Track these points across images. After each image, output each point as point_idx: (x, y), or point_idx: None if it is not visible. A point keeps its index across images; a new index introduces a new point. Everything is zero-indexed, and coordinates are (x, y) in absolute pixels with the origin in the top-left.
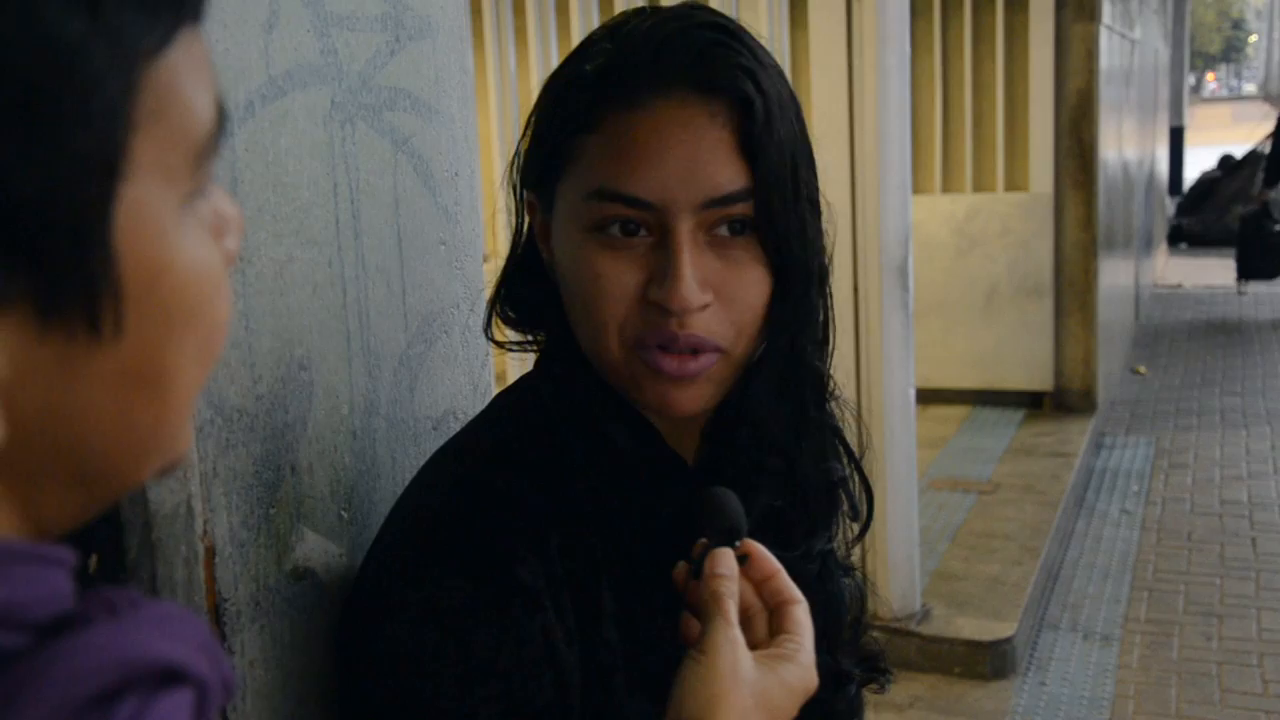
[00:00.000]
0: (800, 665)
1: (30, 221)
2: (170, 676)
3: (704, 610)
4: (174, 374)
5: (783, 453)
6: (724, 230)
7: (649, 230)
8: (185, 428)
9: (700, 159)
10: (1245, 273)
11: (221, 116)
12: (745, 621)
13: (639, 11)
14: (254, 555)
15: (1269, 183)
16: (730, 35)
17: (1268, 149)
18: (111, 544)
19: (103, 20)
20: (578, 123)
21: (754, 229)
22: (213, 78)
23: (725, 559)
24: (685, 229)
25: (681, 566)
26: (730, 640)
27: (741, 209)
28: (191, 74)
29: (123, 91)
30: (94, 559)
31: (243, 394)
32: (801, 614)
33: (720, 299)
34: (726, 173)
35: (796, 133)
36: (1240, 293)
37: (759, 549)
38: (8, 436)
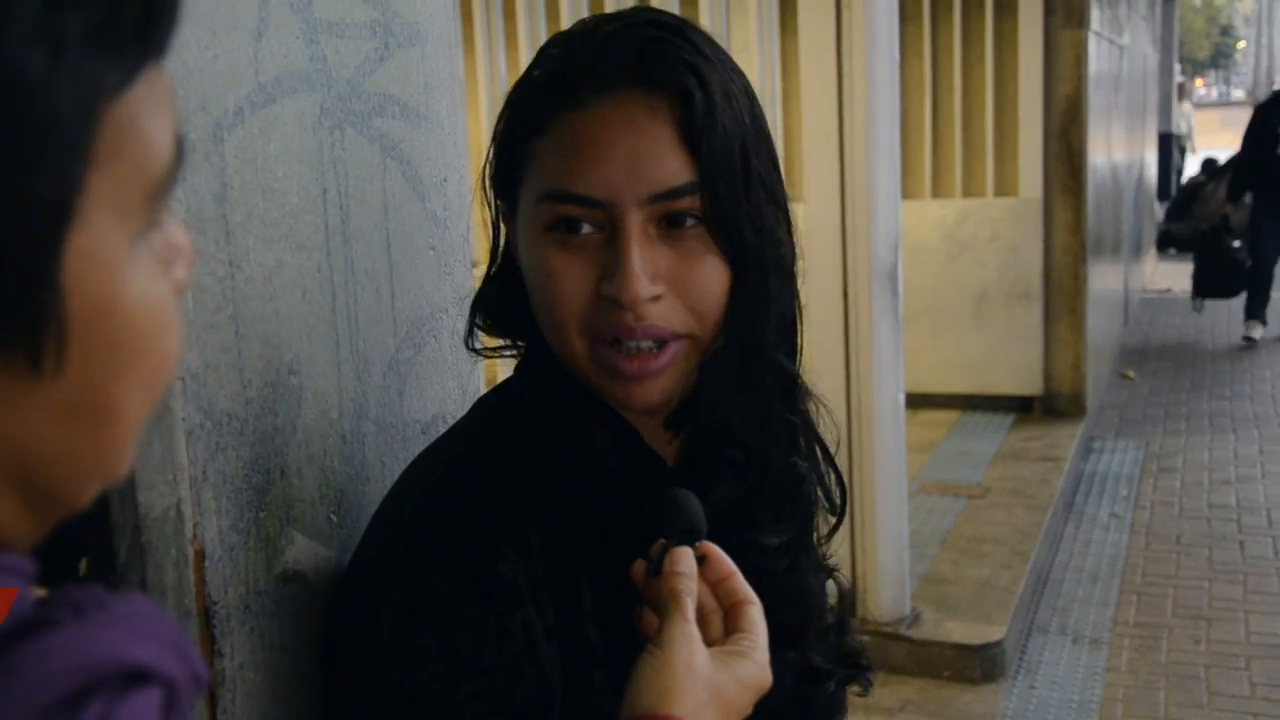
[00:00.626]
0: (755, 663)
1: None
2: (137, 676)
3: (662, 607)
4: (120, 406)
5: (742, 444)
6: (675, 222)
7: (599, 227)
8: (129, 451)
9: (643, 154)
10: (1202, 290)
11: (181, 151)
12: (701, 620)
13: (588, 19)
14: (244, 558)
15: (1233, 196)
16: (672, 32)
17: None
18: (101, 547)
19: (65, 59)
20: (529, 128)
21: (704, 220)
22: (174, 113)
23: (685, 558)
24: (634, 224)
25: (640, 564)
26: (687, 636)
27: (689, 201)
28: (153, 111)
29: (83, 131)
30: (84, 562)
31: (232, 398)
32: (756, 614)
33: (675, 289)
34: (670, 166)
35: (747, 124)
36: (1196, 310)
37: (716, 551)
38: None
